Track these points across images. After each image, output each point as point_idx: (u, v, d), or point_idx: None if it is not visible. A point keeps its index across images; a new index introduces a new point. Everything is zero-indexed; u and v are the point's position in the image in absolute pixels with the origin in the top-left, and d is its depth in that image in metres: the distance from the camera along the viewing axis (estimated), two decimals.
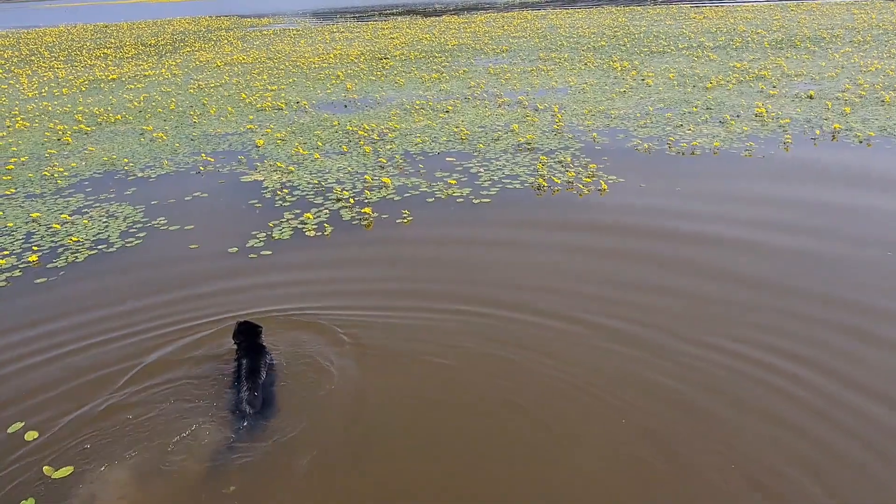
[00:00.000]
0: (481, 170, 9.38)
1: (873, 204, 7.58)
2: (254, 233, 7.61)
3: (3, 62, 28.30)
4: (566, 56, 20.45)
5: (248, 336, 4.71)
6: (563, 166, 9.37)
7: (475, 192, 8.51)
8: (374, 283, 6.31)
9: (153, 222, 8.13)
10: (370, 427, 4.30)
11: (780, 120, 11.13)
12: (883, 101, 12.06)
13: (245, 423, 4.13)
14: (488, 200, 8.17)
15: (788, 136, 10.28)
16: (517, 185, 8.65)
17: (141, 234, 7.76)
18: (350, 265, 6.78)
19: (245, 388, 4.29)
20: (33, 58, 29.79)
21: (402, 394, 4.62)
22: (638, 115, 12.22)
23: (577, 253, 6.70)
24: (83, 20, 65.09)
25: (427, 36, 29.73)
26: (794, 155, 9.46)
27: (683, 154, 9.71)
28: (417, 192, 8.61)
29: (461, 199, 8.26)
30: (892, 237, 6.65)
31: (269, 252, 7.09)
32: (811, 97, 12.75)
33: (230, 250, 7.18)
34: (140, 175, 10.15)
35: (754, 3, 40.41)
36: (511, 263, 6.56)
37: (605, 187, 8.34)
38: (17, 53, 32.20)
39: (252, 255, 7.03)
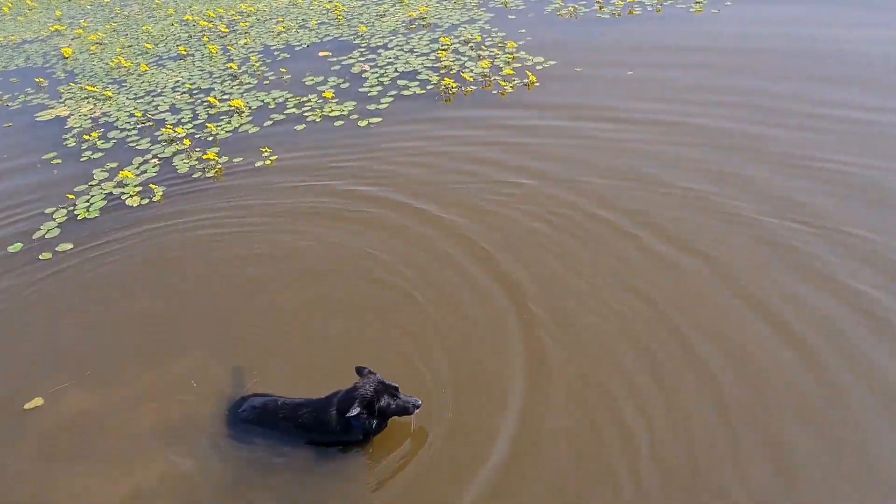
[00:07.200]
0: (367, 67, 7.04)
1: None
2: (48, 211, 5.27)
3: None
4: None
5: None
6: (473, 49, 7.15)
7: (361, 106, 6.26)
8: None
9: None
10: None
11: None
12: None
13: None
14: (379, 119, 5.96)
15: None
16: (416, 90, 6.43)
17: None
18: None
19: None
20: None
21: None
22: None
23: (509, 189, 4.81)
24: None
25: None
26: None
27: (619, 15, 7.63)
28: (283, 116, 6.29)
29: (342, 122, 6.01)
30: None
31: (70, 246, 4.84)
32: None
33: (10, 249, 4.88)
34: None
35: None
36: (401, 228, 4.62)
37: (534, 79, 6.27)
38: None
39: (43, 256, 4.76)
